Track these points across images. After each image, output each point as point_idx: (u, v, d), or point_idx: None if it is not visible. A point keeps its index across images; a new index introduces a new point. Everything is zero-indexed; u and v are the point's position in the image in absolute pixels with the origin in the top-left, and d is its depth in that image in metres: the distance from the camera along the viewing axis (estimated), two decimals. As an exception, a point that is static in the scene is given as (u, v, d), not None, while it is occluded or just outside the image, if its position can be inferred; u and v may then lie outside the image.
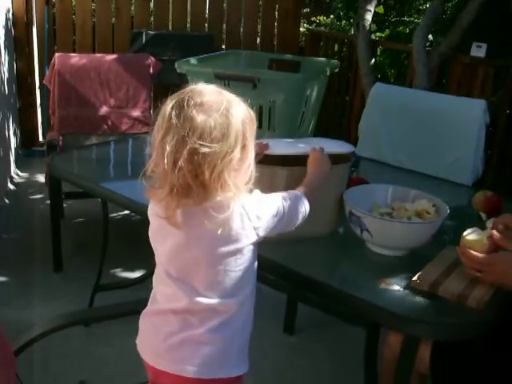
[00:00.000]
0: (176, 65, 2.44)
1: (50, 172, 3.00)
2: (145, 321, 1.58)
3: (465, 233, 1.74)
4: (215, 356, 1.49)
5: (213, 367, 1.49)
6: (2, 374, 1.39)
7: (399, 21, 6.09)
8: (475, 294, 1.65)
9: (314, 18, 10.40)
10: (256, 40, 6.04)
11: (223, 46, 5.86)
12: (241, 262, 1.46)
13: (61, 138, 4.09)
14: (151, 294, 1.58)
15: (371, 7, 4.77)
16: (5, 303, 3.21)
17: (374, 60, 4.81)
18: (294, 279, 1.83)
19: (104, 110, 4.15)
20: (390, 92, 3.22)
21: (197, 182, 1.33)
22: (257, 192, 1.48)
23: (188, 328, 1.47)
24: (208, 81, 2.45)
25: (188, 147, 1.30)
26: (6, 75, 5.09)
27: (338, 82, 5.42)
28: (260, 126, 2.38)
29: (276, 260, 1.84)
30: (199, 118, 1.31)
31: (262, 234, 1.48)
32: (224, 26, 5.89)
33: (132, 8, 5.81)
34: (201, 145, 1.30)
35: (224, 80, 2.32)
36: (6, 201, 4.69)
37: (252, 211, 1.44)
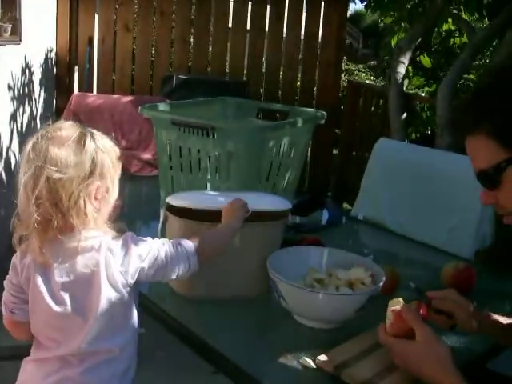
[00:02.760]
0: (139, 109, 2.34)
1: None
2: (26, 366, 1.52)
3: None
4: None
5: None
6: None
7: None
8: (385, 382, 1.44)
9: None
10: (295, 89, 5.94)
11: (261, 92, 5.81)
12: (114, 307, 1.43)
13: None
14: (34, 341, 1.52)
15: (405, 59, 4.63)
16: None
17: (405, 115, 4.62)
18: (190, 340, 1.69)
19: (115, 151, 4.10)
20: (394, 148, 3.00)
21: (56, 210, 1.37)
22: (130, 235, 1.48)
23: (67, 367, 1.44)
24: (166, 127, 2.40)
25: (44, 176, 1.35)
26: (40, 111, 5.17)
27: (374, 138, 5.24)
28: (219, 176, 2.24)
29: (181, 320, 1.72)
30: (53, 148, 1.37)
31: (130, 279, 1.45)
32: (263, 73, 5.85)
33: (172, 51, 5.86)
34: (56, 171, 1.35)
35: (181, 127, 2.21)
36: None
37: (118, 254, 1.43)
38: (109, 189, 1.46)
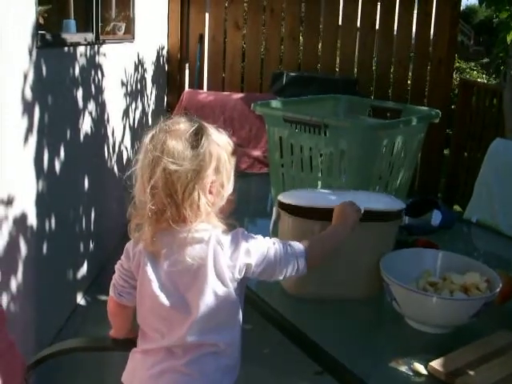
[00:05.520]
0: (252, 106, 2.35)
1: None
2: (134, 356, 1.57)
3: None
4: None
5: None
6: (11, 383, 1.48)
7: None
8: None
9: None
10: (406, 88, 5.84)
11: (371, 91, 5.75)
12: (219, 301, 1.44)
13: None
14: (140, 332, 1.56)
15: (522, 57, 4.42)
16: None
17: (521, 115, 4.43)
18: (297, 338, 1.67)
19: (225, 147, 4.16)
20: (509, 149, 2.90)
21: (170, 201, 1.39)
22: (241, 230, 1.47)
23: (171, 358, 1.46)
24: (278, 124, 2.41)
25: (161, 166, 1.37)
26: (152, 107, 5.31)
27: (487, 138, 5.07)
28: (331, 175, 2.24)
29: (289, 318, 1.70)
30: (171, 140, 1.39)
31: (237, 274, 1.45)
32: (373, 71, 5.79)
33: (282, 49, 5.89)
34: (172, 163, 1.37)
35: (292, 124, 2.21)
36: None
37: (227, 248, 1.43)
38: (224, 184, 1.45)
